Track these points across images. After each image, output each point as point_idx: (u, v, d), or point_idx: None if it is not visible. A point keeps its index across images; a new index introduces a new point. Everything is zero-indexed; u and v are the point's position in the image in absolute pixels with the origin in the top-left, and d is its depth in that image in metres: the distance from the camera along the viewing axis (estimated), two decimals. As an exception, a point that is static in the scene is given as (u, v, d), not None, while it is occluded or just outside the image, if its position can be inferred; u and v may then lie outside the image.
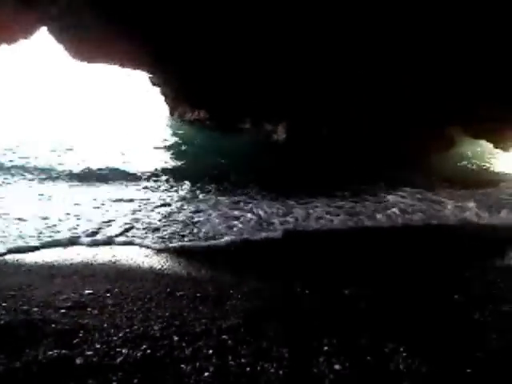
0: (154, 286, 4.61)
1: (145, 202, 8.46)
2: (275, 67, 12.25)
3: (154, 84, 17.05)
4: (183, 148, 14.38)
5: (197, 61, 12.75)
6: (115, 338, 3.33)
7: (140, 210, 7.89)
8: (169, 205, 8.40)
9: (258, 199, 8.90)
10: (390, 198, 9.63)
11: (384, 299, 4.49)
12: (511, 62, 10.63)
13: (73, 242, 6.16)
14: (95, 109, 21.48)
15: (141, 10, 10.96)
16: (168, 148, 14.36)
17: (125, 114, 20.82)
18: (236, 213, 7.96)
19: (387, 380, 2.97)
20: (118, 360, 2.99)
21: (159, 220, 7.42)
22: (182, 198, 8.97)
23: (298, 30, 11.13)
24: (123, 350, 3.13)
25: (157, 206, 8.22)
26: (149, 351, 3.13)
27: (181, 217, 7.63)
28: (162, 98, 18.02)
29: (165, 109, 18.71)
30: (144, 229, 6.91)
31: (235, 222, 7.41)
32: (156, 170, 11.20)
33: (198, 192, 9.41)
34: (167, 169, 11.50)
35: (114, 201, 8.29)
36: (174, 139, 15.54)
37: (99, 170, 10.74)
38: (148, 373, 2.85)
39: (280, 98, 13.38)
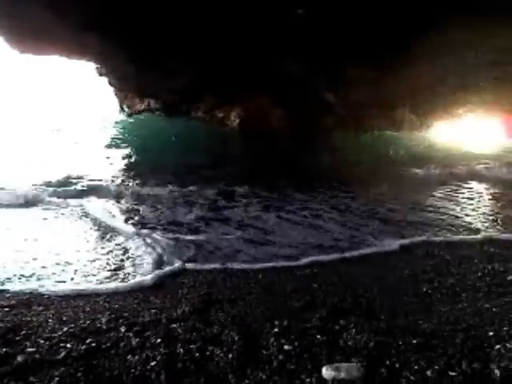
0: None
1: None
2: (227, 51, 12.03)
3: (101, 74, 16.43)
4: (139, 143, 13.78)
5: (146, 44, 12.18)
6: (59, 334, 3.23)
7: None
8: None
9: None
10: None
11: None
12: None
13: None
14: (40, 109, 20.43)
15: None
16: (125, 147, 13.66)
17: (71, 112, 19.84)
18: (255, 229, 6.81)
19: (336, 356, 3.01)
20: (61, 355, 2.90)
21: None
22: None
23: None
24: (67, 345, 3.04)
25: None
26: (94, 344, 3.06)
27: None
28: (111, 90, 17.45)
29: (115, 103, 18.12)
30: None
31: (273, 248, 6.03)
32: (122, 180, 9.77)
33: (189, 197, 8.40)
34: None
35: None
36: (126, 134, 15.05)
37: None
38: (92, 365, 2.78)
39: (233, 85, 13.24)
